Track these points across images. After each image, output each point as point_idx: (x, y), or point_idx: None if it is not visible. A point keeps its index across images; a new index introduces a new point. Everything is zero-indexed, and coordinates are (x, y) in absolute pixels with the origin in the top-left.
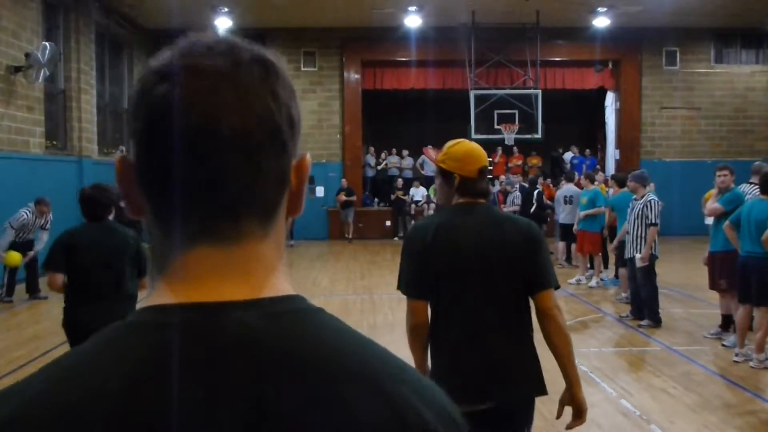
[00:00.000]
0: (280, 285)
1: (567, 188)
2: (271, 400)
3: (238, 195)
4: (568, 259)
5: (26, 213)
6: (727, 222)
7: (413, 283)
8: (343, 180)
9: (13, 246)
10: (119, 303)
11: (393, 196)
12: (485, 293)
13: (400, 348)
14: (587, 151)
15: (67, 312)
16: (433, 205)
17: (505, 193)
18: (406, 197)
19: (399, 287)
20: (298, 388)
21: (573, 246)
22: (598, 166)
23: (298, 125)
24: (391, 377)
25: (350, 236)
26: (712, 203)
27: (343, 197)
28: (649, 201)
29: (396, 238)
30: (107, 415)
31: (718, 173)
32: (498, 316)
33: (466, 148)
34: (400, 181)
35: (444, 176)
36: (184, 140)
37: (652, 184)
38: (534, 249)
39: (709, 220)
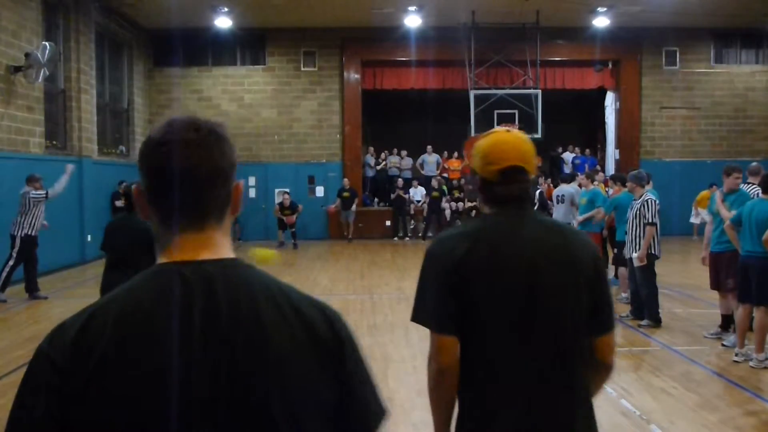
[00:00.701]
0: (227, 253)
1: (559, 188)
2: (220, 302)
3: (205, 206)
4: None
5: (33, 193)
6: (728, 222)
7: (439, 312)
8: (345, 180)
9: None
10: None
11: (393, 195)
12: (536, 332)
13: (400, 347)
14: (587, 150)
15: (103, 277)
16: (427, 206)
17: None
18: (406, 196)
19: (416, 318)
20: (232, 297)
21: None
22: (598, 166)
23: (235, 165)
24: (293, 294)
25: (350, 236)
26: (722, 208)
27: (333, 208)
28: (647, 201)
29: (395, 238)
30: (146, 317)
31: (735, 174)
32: (553, 365)
33: (492, 140)
34: (400, 181)
35: (471, 174)
36: (176, 177)
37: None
38: (600, 274)
39: (695, 219)
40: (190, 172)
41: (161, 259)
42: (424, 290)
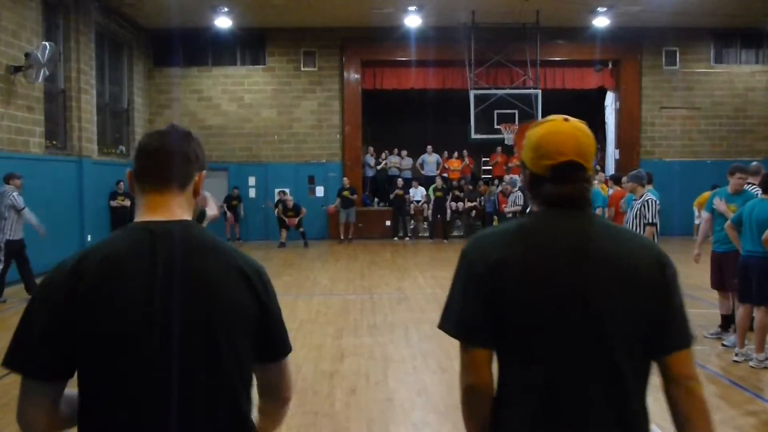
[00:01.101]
0: (185, 215)
1: None
2: (176, 252)
3: (169, 175)
4: None
5: (14, 193)
6: (728, 222)
7: (470, 321)
8: (345, 179)
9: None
10: None
11: (392, 195)
12: (585, 351)
13: (400, 347)
14: None
15: None
16: (432, 205)
17: (506, 193)
18: (406, 196)
19: (443, 325)
20: (185, 249)
21: None
22: (597, 166)
23: (200, 158)
24: (229, 248)
25: (350, 236)
26: (726, 210)
27: (332, 208)
28: (647, 200)
29: (396, 238)
30: (122, 258)
31: (739, 175)
32: (604, 390)
33: (546, 129)
34: (400, 181)
35: (522, 167)
36: (151, 155)
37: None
38: (669, 283)
39: (699, 220)
40: (160, 149)
41: (136, 219)
42: (454, 296)
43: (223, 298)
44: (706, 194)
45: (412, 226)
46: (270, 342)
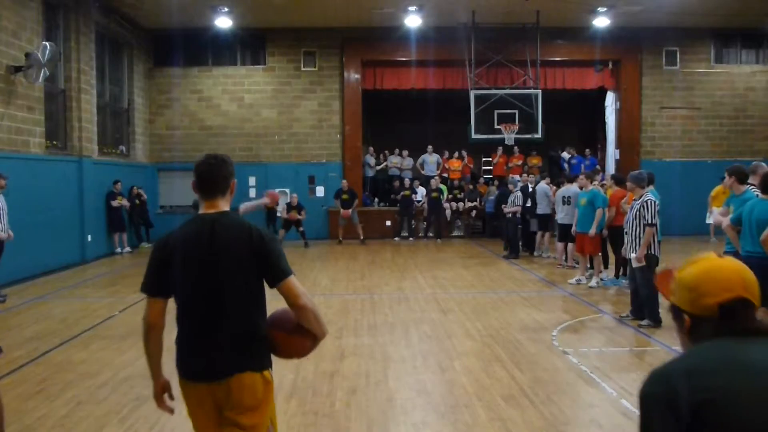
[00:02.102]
0: (224, 208)
1: (566, 189)
2: (216, 233)
3: (216, 188)
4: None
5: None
6: (728, 222)
7: None
8: (344, 181)
9: None
10: None
11: (400, 195)
12: None
13: (400, 347)
14: (587, 150)
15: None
16: (427, 206)
17: (507, 193)
18: (414, 196)
19: None
20: (225, 230)
21: (568, 246)
22: (598, 166)
23: (233, 173)
24: (245, 225)
25: (362, 237)
26: (725, 212)
27: (348, 212)
28: (646, 201)
29: (397, 238)
30: (188, 232)
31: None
32: None
33: (705, 267)
34: (407, 181)
35: (675, 316)
36: (203, 174)
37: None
38: None
39: (711, 219)
40: (208, 177)
41: (199, 212)
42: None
43: (233, 250)
44: (719, 188)
45: (412, 226)
46: (269, 274)
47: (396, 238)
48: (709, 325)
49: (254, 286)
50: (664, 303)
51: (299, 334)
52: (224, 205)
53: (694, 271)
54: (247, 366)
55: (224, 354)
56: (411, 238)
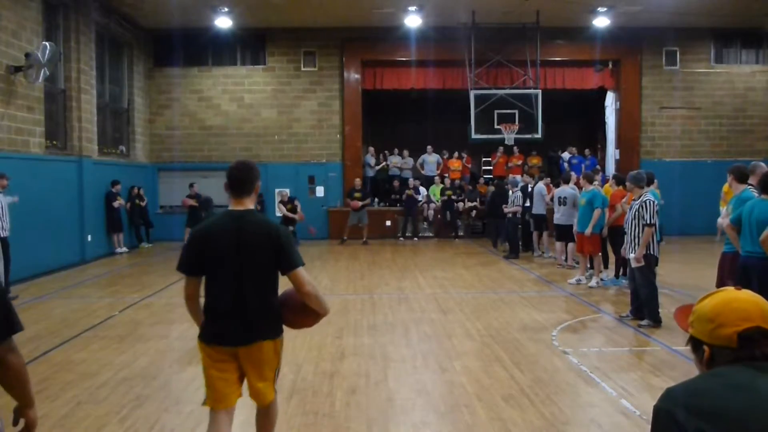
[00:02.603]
0: (250, 206)
1: (561, 189)
2: (243, 228)
3: (244, 189)
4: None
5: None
6: (728, 222)
7: None
8: (357, 180)
9: None
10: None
11: (404, 195)
12: None
13: (400, 347)
14: (587, 151)
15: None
16: (432, 205)
17: (501, 194)
18: (418, 196)
19: None
20: (250, 225)
21: (563, 246)
22: (598, 166)
23: (258, 177)
24: (266, 221)
25: (365, 239)
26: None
27: (359, 203)
28: (645, 201)
29: (402, 238)
30: (216, 226)
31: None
32: None
33: (722, 299)
34: (411, 181)
35: (694, 348)
36: (234, 177)
37: (655, 180)
38: None
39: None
40: (239, 179)
41: (229, 208)
42: None
43: (255, 242)
44: (726, 186)
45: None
46: (282, 263)
47: (401, 238)
48: (728, 355)
49: (271, 272)
50: (664, 303)
51: (303, 313)
52: (249, 204)
53: (713, 303)
54: (266, 335)
55: (248, 326)
56: (415, 238)
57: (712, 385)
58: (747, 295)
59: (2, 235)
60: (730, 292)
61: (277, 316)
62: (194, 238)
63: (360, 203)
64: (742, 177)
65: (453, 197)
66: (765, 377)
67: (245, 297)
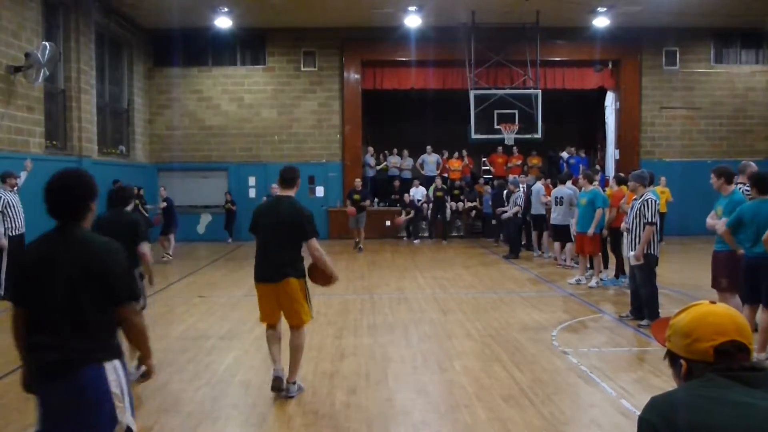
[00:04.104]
0: (291, 194)
1: (558, 190)
2: (280, 207)
3: (289, 186)
4: (545, 252)
5: (8, 194)
6: (725, 227)
7: None
8: (357, 180)
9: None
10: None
11: (412, 199)
12: None
13: (400, 347)
14: (581, 151)
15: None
16: (432, 205)
17: (509, 193)
18: (413, 196)
19: None
20: (285, 206)
21: (558, 245)
22: (597, 166)
23: (299, 174)
24: (298, 205)
25: (361, 245)
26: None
27: (354, 210)
28: (647, 200)
29: (417, 241)
30: (266, 206)
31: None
32: None
33: (698, 313)
34: (416, 182)
35: (671, 362)
36: (284, 178)
37: (663, 179)
38: None
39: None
40: (287, 177)
41: (276, 194)
42: None
43: (287, 219)
44: None
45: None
46: (302, 235)
47: (416, 241)
48: (704, 369)
49: (297, 238)
50: (664, 303)
51: (318, 272)
52: (291, 193)
53: (688, 318)
54: (293, 274)
55: (281, 269)
56: (417, 240)
57: (693, 399)
58: (722, 308)
59: (19, 232)
60: (704, 306)
61: (300, 265)
62: (254, 212)
63: (354, 210)
64: (730, 178)
65: (444, 197)
66: (745, 390)
67: (282, 252)
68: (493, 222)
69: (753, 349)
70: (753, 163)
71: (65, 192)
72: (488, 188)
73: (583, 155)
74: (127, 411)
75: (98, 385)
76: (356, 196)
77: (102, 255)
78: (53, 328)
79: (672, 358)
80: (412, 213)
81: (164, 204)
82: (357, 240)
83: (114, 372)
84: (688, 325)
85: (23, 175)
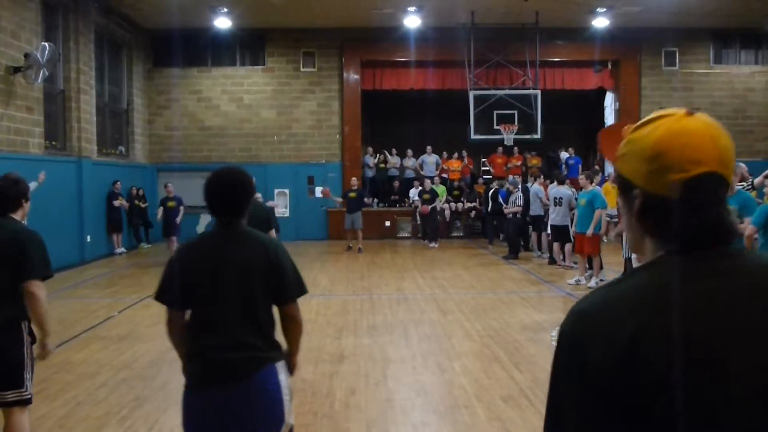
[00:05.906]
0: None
1: (555, 190)
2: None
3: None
4: (551, 254)
5: None
6: (752, 226)
7: None
8: (354, 179)
9: None
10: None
11: (419, 204)
12: None
13: (400, 347)
14: (571, 150)
15: None
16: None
17: (508, 193)
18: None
19: None
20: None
21: (553, 245)
22: (597, 167)
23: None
24: (268, 240)
25: (359, 247)
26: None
27: (340, 199)
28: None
29: (433, 244)
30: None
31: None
32: None
33: (669, 129)
34: (428, 182)
35: (621, 189)
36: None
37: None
38: None
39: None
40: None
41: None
42: (561, 409)
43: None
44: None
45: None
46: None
47: (432, 244)
48: (667, 207)
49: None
50: None
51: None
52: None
53: (656, 135)
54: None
55: None
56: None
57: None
58: (700, 124)
59: None
60: (676, 119)
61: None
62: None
63: (341, 199)
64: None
65: (431, 200)
66: (704, 270)
67: None
68: (495, 222)
69: (732, 182)
70: (743, 164)
71: (237, 189)
72: (496, 185)
73: (574, 154)
74: (292, 410)
75: (275, 385)
76: (352, 194)
77: (276, 250)
78: (228, 328)
79: (623, 184)
80: (429, 208)
81: (172, 203)
82: (350, 245)
83: (283, 371)
84: (653, 146)
85: (33, 185)
